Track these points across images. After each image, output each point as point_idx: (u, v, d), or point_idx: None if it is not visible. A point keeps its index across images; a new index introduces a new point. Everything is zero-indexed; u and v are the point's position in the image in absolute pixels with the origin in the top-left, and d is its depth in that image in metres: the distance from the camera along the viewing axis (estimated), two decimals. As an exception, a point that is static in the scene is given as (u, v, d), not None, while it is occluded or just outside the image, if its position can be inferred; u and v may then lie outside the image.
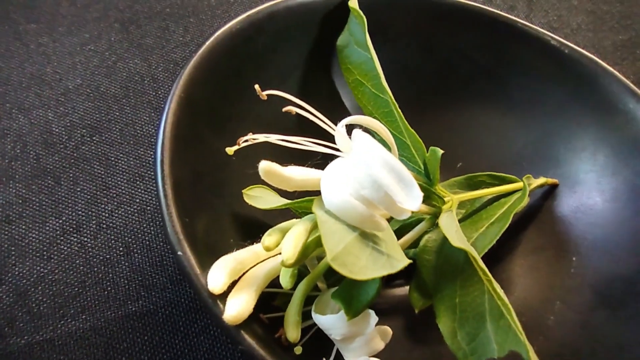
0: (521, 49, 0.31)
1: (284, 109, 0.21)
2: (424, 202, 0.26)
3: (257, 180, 0.27)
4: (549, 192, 0.31)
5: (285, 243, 0.20)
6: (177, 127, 0.25)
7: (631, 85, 0.29)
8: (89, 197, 0.33)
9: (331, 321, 0.22)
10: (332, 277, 0.26)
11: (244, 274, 0.23)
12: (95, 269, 0.31)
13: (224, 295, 0.21)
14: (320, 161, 0.24)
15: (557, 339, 0.25)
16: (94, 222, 0.32)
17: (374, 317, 0.22)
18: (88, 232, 0.32)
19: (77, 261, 0.31)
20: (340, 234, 0.19)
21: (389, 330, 0.23)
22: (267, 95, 0.21)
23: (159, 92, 0.37)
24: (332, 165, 0.22)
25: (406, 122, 0.28)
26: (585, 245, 0.28)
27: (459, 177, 0.30)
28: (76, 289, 0.30)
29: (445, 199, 0.27)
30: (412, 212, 0.21)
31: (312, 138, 0.23)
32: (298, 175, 0.21)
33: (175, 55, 0.39)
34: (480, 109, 0.33)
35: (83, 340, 0.28)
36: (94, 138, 0.35)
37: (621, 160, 0.28)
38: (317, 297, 0.24)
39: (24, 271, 0.30)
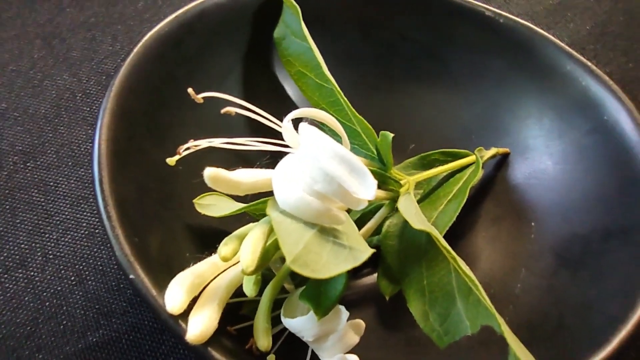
0: (458, 24, 0.31)
1: (223, 111, 0.20)
2: (380, 187, 0.26)
3: (208, 188, 0.26)
4: (502, 162, 0.31)
5: (243, 251, 0.19)
6: (113, 142, 0.23)
7: (566, 47, 0.29)
8: (30, 227, 0.31)
9: (301, 323, 0.21)
10: (299, 276, 0.25)
11: (204, 288, 0.22)
12: (47, 303, 0.29)
13: (185, 314, 0.20)
14: (270, 160, 0.23)
15: (526, 306, 0.25)
16: (39, 253, 0.30)
17: (344, 313, 0.21)
18: (34, 265, 0.30)
19: (26, 298, 0.29)
20: (298, 233, 0.18)
21: (361, 323, 0.22)
22: (204, 98, 0.20)
23: (93, 107, 0.35)
24: (282, 163, 0.21)
25: (353, 110, 0.27)
26: (542, 210, 0.28)
27: (412, 158, 0.30)
28: (28, 327, 0.28)
29: (402, 182, 0.27)
30: (369, 201, 0.21)
31: (261, 137, 0.22)
32: (247, 178, 0.20)
33: (106, 67, 0.37)
34: (426, 89, 0.33)
35: (43, 379, 0.27)
36: (28, 164, 0.33)
37: (565, 122, 0.29)
38: (286, 299, 0.23)
39: (-34, 316, 0.28)
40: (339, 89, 0.28)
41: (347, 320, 0.22)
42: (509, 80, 0.31)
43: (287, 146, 0.22)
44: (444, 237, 0.26)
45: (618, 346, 0.20)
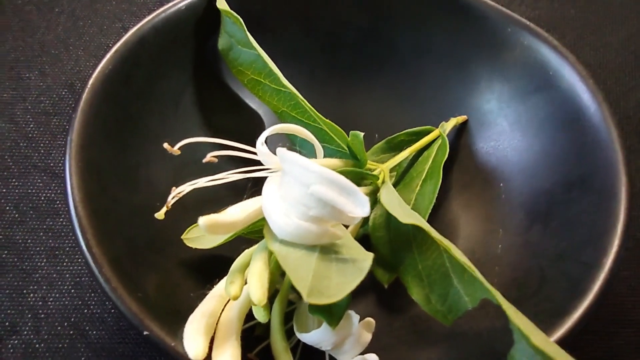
0: (395, 1, 0.32)
1: (205, 160, 0.20)
2: (360, 184, 0.27)
3: (191, 222, 0.26)
4: (462, 130, 0.32)
5: (252, 286, 0.20)
6: (88, 201, 0.22)
7: (504, 9, 0.30)
8: (11, 291, 0.30)
9: (318, 336, 0.22)
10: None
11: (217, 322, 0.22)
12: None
13: (209, 357, 0.21)
14: (254, 187, 0.23)
15: (509, 265, 0.27)
16: (29, 316, 0.29)
17: (355, 316, 0.23)
18: (27, 329, 0.29)
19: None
20: (303, 261, 0.19)
21: (372, 321, 0.24)
22: (178, 147, 0.20)
23: (41, 151, 0.33)
24: (267, 190, 0.21)
25: (314, 110, 0.27)
26: (507, 170, 0.30)
27: (379, 143, 0.31)
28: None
29: (375, 173, 0.28)
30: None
31: (238, 166, 0.22)
32: (240, 214, 0.20)
33: (42, 105, 0.35)
34: (376, 73, 0.33)
35: None
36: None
37: (513, 83, 0.30)
38: (294, 312, 0.24)
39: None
40: (296, 92, 0.28)
41: (358, 321, 0.23)
42: (455, 51, 0.32)
43: (267, 168, 0.23)
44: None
45: (599, 292, 0.22)
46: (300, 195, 0.20)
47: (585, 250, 0.25)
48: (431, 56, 0.32)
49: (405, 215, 0.24)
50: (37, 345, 0.28)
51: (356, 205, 0.19)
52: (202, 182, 0.21)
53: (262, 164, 0.23)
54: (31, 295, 0.30)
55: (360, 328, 0.23)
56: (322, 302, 0.18)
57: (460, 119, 0.32)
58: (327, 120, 0.27)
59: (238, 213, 0.20)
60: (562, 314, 0.22)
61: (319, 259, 0.20)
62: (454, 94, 0.32)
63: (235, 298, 0.20)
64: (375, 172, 0.28)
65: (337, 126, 0.27)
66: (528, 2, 0.42)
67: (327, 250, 0.20)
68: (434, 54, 0.32)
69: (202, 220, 0.19)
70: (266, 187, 0.21)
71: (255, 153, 0.22)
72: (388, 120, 0.32)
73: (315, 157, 0.26)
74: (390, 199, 0.25)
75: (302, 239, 0.20)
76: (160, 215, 0.21)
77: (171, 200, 0.20)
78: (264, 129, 0.26)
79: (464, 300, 0.23)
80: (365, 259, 0.21)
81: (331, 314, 0.22)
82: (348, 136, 0.26)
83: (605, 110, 0.26)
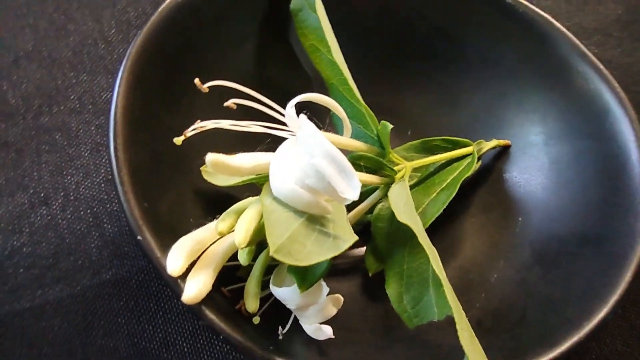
0: (477, 6, 0.31)
1: (226, 104, 0.21)
2: (377, 173, 0.28)
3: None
4: (502, 153, 0.32)
5: (238, 228, 0.22)
6: (129, 110, 0.25)
7: (582, 47, 0.29)
8: (53, 169, 0.34)
9: (286, 293, 0.24)
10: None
11: (203, 252, 0.24)
12: (67, 240, 0.32)
13: (184, 276, 0.23)
14: (270, 145, 0.24)
15: (497, 295, 0.27)
16: (61, 194, 0.33)
17: (325, 288, 0.24)
18: (56, 204, 0.33)
19: (49, 233, 0.32)
20: (286, 222, 0.20)
21: (340, 298, 0.25)
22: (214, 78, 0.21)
23: (114, 56, 0.36)
24: (280, 150, 0.22)
25: (355, 90, 0.28)
26: (531, 206, 0.29)
27: (415, 141, 0.31)
28: (50, 260, 0.31)
29: (398, 167, 0.28)
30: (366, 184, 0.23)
31: (265, 121, 0.23)
32: (247, 163, 0.22)
33: (127, 15, 0.38)
34: (438, 69, 0.33)
35: (61, 307, 0.30)
36: (52, 108, 0.35)
37: (568, 123, 0.29)
38: (276, 268, 0.26)
39: (-3, 245, 0.31)
40: (343, 67, 0.28)
41: (328, 294, 0.24)
42: (521, 72, 0.31)
43: (289, 130, 0.24)
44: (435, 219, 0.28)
45: (566, 350, 0.22)
46: (304, 163, 0.21)
47: (573, 307, 0.24)
48: (496, 69, 0.31)
49: (405, 214, 0.24)
50: (60, 221, 0.32)
51: (349, 187, 0.20)
52: (225, 123, 0.22)
53: (286, 126, 0.24)
54: (68, 177, 0.33)
55: (327, 300, 0.24)
56: (288, 261, 0.19)
57: (503, 142, 0.31)
58: (364, 104, 0.27)
59: (246, 161, 0.22)
60: (522, 358, 0.22)
61: (303, 224, 0.21)
62: (506, 116, 0.31)
63: (221, 234, 0.22)
64: (397, 167, 0.28)
65: (371, 112, 0.27)
66: (625, 46, 0.39)
67: (314, 220, 0.22)
68: (500, 68, 0.31)
69: (210, 156, 0.21)
70: (281, 147, 0.23)
71: (282, 114, 0.23)
72: (431, 121, 0.32)
73: (343, 134, 0.27)
74: (399, 195, 0.26)
75: (293, 202, 0.21)
76: (177, 141, 0.22)
77: (191, 131, 0.22)
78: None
79: (433, 310, 0.24)
80: (347, 240, 0.22)
81: (304, 278, 0.23)
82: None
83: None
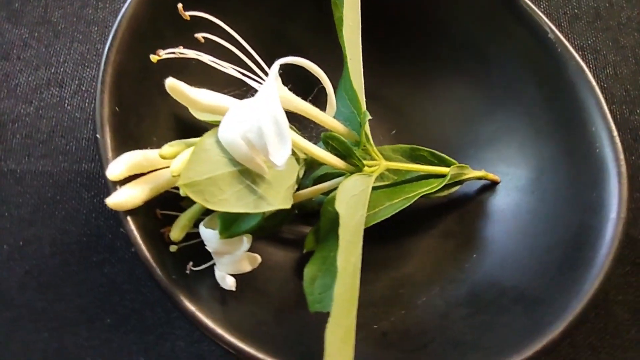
0: (516, 31, 0.29)
1: (196, 35, 0.22)
2: (346, 160, 0.28)
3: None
4: (488, 186, 0.31)
5: (178, 158, 0.22)
6: (135, 20, 0.26)
7: (605, 109, 0.27)
8: (79, 58, 0.36)
9: (208, 235, 0.24)
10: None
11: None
12: (65, 124, 0.34)
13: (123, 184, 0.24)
14: (240, 92, 0.25)
15: (415, 318, 0.26)
16: (76, 82, 0.35)
17: (245, 244, 0.24)
18: (69, 90, 0.35)
19: (52, 112, 0.34)
20: (215, 164, 0.21)
21: (257, 258, 0.25)
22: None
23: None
24: (244, 100, 0.23)
25: (356, 73, 0.27)
26: (490, 246, 0.28)
27: (405, 145, 0.30)
28: (45, 135, 0.34)
29: (372, 163, 0.28)
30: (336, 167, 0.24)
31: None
32: (206, 100, 0.22)
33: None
34: (458, 82, 0.32)
35: (39, 179, 0.33)
36: (99, 3, 0.37)
37: (563, 179, 0.28)
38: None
39: (7, 106, 0.34)
40: (356, 50, 0.28)
41: (248, 251, 0.25)
42: (538, 112, 0.29)
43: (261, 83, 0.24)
44: (398, 225, 0.27)
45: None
46: (250, 116, 0.21)
47: (474, 356, 0.23)
48: (516, 100, 0.30)
49: (344, 204, 0.24)
50: (66, 105, 0.35)
51: (278, 152, 0.20)
52: (206, 58, 0.23)
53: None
54: (88, 70, 0.36)
55: (244, 256, 0.25)
56: (195, 198, 0.20)
57: (491, 177, 0.30)
58: (355, 89, 0.27)
59: (205, 97, 0.22)
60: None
61: (232, 173, 0.21)
62: (509, 149, 0.30)
63: (161, 157, 0.23)
64: (371, 162, 0.28)
65: (362, 97, 0.27)
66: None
67: (247, 174, 0.22)
68: (519, 100, 0.29)
69: (170, 80, 0.21)
70: (248, 98, 0.23)
71: (263, 71, 0.23)
72: (431, 128, 0.32)
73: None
74: (354, 186, 0.25)
75: (232, 150, 0.21)
76: (153, 58, 0.23)
77: (166, 53, 0.23)
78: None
79: (330, 303, 0.23)
80: (272, 203, 0.22)
81: (227, 227, 0.24)
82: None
83: (607, 265, 0.23)
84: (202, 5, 0.28)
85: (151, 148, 0.25)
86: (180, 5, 0.22)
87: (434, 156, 0.30)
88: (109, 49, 0.25)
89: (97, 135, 0.24)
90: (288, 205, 0.23)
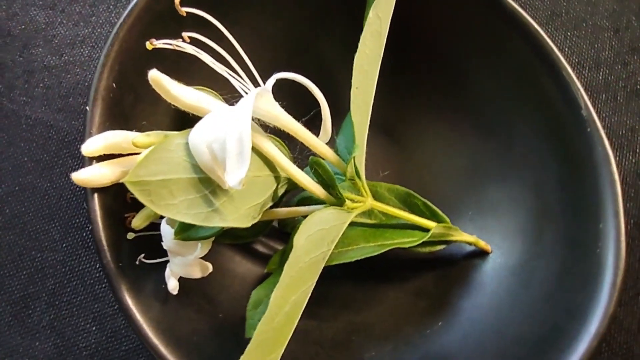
0: (549, 98, 0.26)
1: (184, 33, 0.21)
2: (328, 189, 0.26)
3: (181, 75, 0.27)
4: (479, 253, 0.28)
5: (147, 151, 0.22)
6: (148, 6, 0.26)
7: (620, 206, 0.24)
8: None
9: (166, 231, 0.24)
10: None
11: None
12: (86, 83, 0.35)
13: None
14: (229, 97, 0.24)
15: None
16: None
17: (198, 251, 0.24)
18: (99, 51, 0.36)
19: (77, 70, 0.35)
20: (174, 167, 0.20)
21: (208, 267, 0.25)
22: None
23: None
24: (225, 107, 0.22)
25: (350, 111, 0.26)
26: (458, 319, 0.26)
27: (401, 188, 0.29)
28: (65, 91, 0.35)
29: (358, 198, 0.26)
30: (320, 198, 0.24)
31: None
32: (187, 97, 0.22)
33: None
34: (475, 137, 0.29)
35: (48, 132, 0.34)
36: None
37: (556, 275, 0.25)
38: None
39: (39, 54, 0.35)
40: (369, 76, 0.26)
41: (210, 255, 0.24)
42: (550, 190, 0.26)
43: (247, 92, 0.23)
44: (371, 267, 0.26)
45: None
46: (220, 126, 0.20)
47: None
48: (531, 175, 0.27)
49: (302, 237, 0.22)
50: (57, 88, 0.35)
51: (233, 173, 0.19)
52: (205, 56, 0.22)
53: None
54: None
55: (196, 261, 0.24)
56: (139, 197, 0.19)
57: (482, 245, 0.28)
58: (352, 120, 0.25)
59: (187, 95, 0.22)
60: None
61: (190, 180, 0.21)
62: (510, 227, 0.27)
63: (134, 144, 0.22)
64: (357, 197, 0.27)
65: (356, 130, 0.25)
66: None
67: (208, 184, 0.21)
68: (534, 175, 0.27)
69: (153, 72, 0.21)
70: (233, 105, 0.22)
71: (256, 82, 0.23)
72: (435, 176, 0.30)
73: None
74: (319, 220, 0.24)
75: (195, 155, 0.21)
76: (148, 45, 0.23)
77: (162, 43, 0.22)
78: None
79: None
80: (227, 220, 0.21)
81: (183, 230, 0.23)
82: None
83: None
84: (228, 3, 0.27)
85: (139, 131, 0.25)
86: (177, 1, 0.21)
87: (428, 208, 0.28)
88: (120, 25, 0.25)
89: (87, 107, 0.25)
90: (245, 225, 0.22)
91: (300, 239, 0.22)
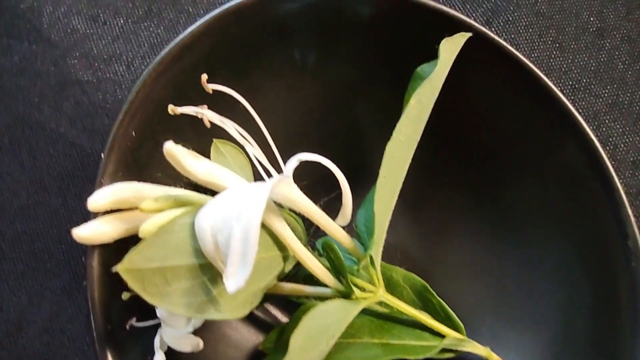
0: (599, 219, 0.24)
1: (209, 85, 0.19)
2: (337, 276, 0.25)
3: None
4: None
5: (151, 221, 0.21)
6: (187, 49, 0.25)
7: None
8: (156, 44, 0.35)
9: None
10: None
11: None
12: (116, 104, 0.34)
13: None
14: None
15: None
16: (143, 67, 0.35)
17: (191, 327, 0.22)
18: (134, 72, 0.35)
19: (109, 89, 0.34)
20: (171, 252, 0.19)
21: (200, 343, 0.23)
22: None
23: None
24: (241, 187, 0.21)
25: (374, 201, 0.24)
26: None
27: (418, 279, 0.27)
28: (93, 109, 0.34)
29: (367, 287, 0.25)
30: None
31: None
32: (200, 173, 0.20)
33: None
34: (503, 251, 0.27)
35: (69, 149, 0.33)
36: (196, -2, 0.36)
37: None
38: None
39: (73, 66, 0.34)
40: (399, 163, 0.24)
41: (197, 335, 0.23)
42: (579, 320, 0.24)
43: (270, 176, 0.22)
44: None
45: None
46: (230, 215, 0.19)
47: None
48: (562, 296, 0.25)
49: (300, 335, 0.21)
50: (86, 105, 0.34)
51: (233, 276, 0.18)
52: (230, 125, 0.21)
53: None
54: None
55: (186, 336, 0.23)
56: (131, 286, 0.18)
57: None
58: (373, 211, 0.23)
59: (201, 170, 0.20)
60: None
61: (189, 267, 0.19)
62: (528, 347, 0.25)
63: (141, 210, 0.21)
64: (367, 284, 0.25)
65: (376, 222, 0.24)
66: None
67: (207, 270, 0.20)
68: (565, 295, 0.24)
69: (169, 144, 0.20)
70: (250, 185, 0.21)
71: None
72: (456, 275, 0.28)
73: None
74: (323, 314, 0.22)
75: (199, 240, 0.19)
76: (171, 110, 0.21)
77: (185, 109, 0.21)
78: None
79: None
80: (220, 311, 0.20)
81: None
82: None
83: None
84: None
85: (152, 183, 0.24)
86: (204, 77, 0.20)
87: (442, 309, 0.26)
88: (148, 72, 0.24)
89: (102, 154, 0.24)
90: (239, 316, 0.21)
91: (297, 339, 0.21)
